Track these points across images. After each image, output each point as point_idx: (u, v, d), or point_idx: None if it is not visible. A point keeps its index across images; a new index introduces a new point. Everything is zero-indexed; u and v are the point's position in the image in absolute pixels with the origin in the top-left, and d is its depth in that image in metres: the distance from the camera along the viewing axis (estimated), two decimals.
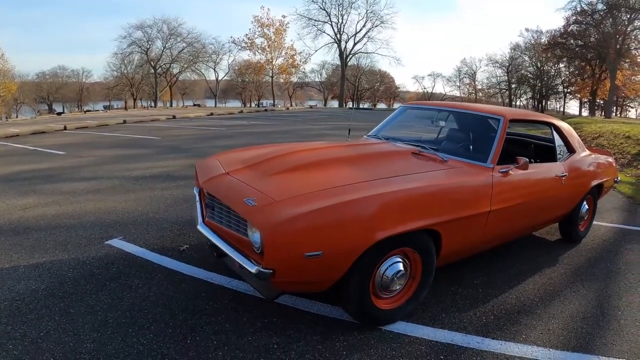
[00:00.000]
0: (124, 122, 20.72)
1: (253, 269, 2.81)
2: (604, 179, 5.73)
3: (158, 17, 59.95)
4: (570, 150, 5.29)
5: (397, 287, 3.39)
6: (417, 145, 4.48)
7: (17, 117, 50.53)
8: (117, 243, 4.78)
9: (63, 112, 52.64)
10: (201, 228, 3.59)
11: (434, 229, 3.35)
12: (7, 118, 43.25)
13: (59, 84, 66.54)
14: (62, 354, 2.87)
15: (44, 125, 18.04)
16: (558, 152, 5.09)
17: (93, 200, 6.50)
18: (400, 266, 3.31)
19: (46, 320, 3.25)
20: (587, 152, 5.66)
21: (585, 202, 5.50)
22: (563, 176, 4.76)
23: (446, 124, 5.16)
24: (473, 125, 4.82)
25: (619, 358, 3.21)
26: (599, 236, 5.91)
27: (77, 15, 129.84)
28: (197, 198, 3.98)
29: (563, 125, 5.38)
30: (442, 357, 3.08)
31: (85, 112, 50.32)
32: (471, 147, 4.48)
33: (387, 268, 3.24)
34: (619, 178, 6.43)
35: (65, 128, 17.29)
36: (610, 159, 6.18)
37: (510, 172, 4.03)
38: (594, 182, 5.45)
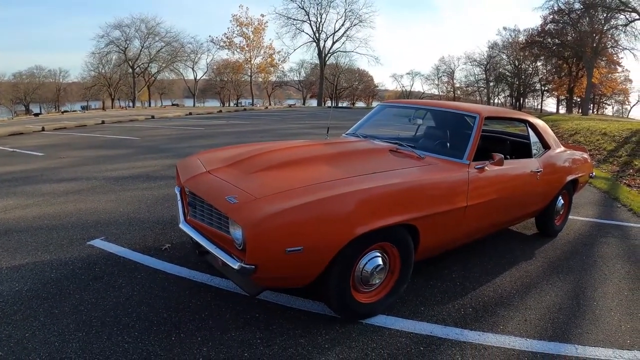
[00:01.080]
0: (103, 122, 20.53)
1: (235, 265, 2.86)
2: (579, 175, 5.85)
3: (136, 16, 59.51)
4: (546, 146, 5.40)
5: (377, 281, 3.45)
6: (395, 143, 4.54)
7: None
8: (99, 243, 4.78)
9: (40, 113, 51.96)
10: (183, 226, 3.62)
11: (412, 224, 3.43)
12: None
13: (35, 84, 65.37)
14: (48, 354, 2.89)
15: (22, 127, 17.81)
16: (533, 149, 5.19)
17: (74, 201, 6.48)
18: (379, 261, 3.38)
19: (31, 321, 3.26)
20: (562, 148, 5.76)
21: (560, 197, 5.61)
22: (538, 172, 4.86)
23: (423, 121, 5.23)
24: (450, 122, 4.91)
25: (594, 346, 3.31)
26: (574, 230, 6.04)
27: (54, 13, 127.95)
28: (179, 197, 4.00)
29: (538, 122, 5.48)
30: (421, 348, 3.15)
31: (62, 112, 49.66)
32: (448, 144, 4.56)
33: (366, 263, 3.32)
34: (593, 173, 6.56)
35: (43, 129, 17.09)
36: (586, 155, 6.30)
37: (486, 168, 4.11)
38: (569, 178, 5.56)
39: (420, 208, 3.48)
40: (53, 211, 5.94)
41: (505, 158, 4.35)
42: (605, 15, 40.37)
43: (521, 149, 5.47)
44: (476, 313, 3.69)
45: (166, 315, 3.41)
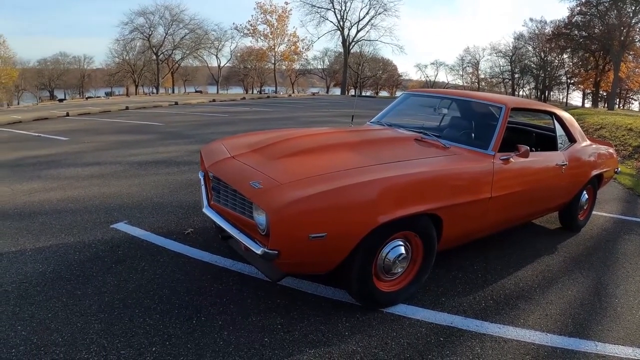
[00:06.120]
0: (126, 108, 20.65)
1: (258, 250, 2.87)
2: (604, 170, 5.76)
3: (160, 3, 59.86)
4: (571, 140, 5.33)
5: (399, 270, 3.45)
6: (420, 132, 4.52)
7: (18, 103, 50.59)
8: (123, 227, 4.84)
9: (65, 99, 52.47)
10: (207, 211, 3.63)
11: (435, 213, 3.41)
12: (8, 105, 43.25)
13: (60, 70, 66.10)
14: (71, 334, 2.93)
15: (47, 112, 18.03)
16: (559, 142, 5.13)
17: (97, 185, 6.55)
18: (402, 249, 3.37)
19: (54, 302, 3.31)
20: (588, 142, 5.68)
21: (585, 192, 5.54)
22: (563, 165, 4.80)
23: (449, 111, 5.18)
24: (475, 113, 4.86)
25: (614, 344, 3.27)
26: (598, 226, 5.96)
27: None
28: (202, 182, 4.02)
29: (564, 115, 5.41)
30: (441, 339, 3.15)
31: (86, 98, 49.95)
32: (473, 134, 4.51)
33: (389, 251, 3.31)
34: (619, 169, 6.46)
35: (67, 114, 17.28)
36: (611, 150, 6.21)
37: (511, 159, 4.07)
38: (594, 172, 5.48)
39: (444, 198, 3.46)
40: (77, 194, 6.01)
41: (531, 150, 4.30)
42: (633, 8, 39.65)
43: (547, 142, 5.40)
44: (497, 305, 3.67)
45: (188, 298, 3.44)
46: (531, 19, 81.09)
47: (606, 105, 47.73)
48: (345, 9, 59.22)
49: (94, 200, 5.77)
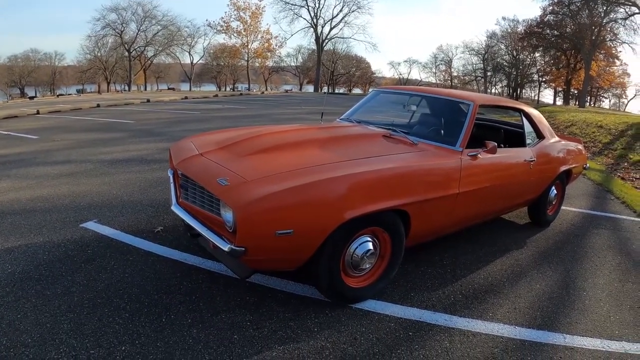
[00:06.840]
0: (98, 105, 20.39)
1: (226, 247, 2.87)
2: (573, 166, 5.86)
3: None
4: (540, 136, 5.41)
5: (367, 266, 3.47)
6: (388, 129, 4.54)
7: None
8: (92, 226, 4.78)
9: (35, 96, 51.50)
10: (175, 209, 3.62)
11: (403, 209, 3.43)
12: None
13: (31, 67, 64.79)
14: (40, 335, 2.90)
15: (17, 110, 17.71)
16: (527, 138, 5.19)
17: (67, 183, 6.47)
18: (370, 245, 3.40)
19: (23, 302, 3.26)
20: (557, 138, 5.76)
21: (553, 187, 5.62)
22: (531, 161, 4.87)
23: (418, 108, 5.21)
24: (444, 109, 4.88)
25: (582, 336, 3.33)
26: (567, 221, 6.06)
27: None
28: (171, 179, 4.00)
29: (533, 112, 5.49)
30: (410, 333, 3.18)
31: (58, 96, 48.93)
32: (442, 131, 4.54)
33: (356, 247, 3.33)
34: (587, 165, 6.57)
35: (38, 112, 16.98)
36: (580, 146, 6.31)
37: (479, 155, 4.11)
38: (563, 168, 5.57)
39: (411, 194, 3.48)
40: (46, 194, 5.93)
41: (499, 146, 4.35)
42: (604, 8, 40.26)
43: (515, 138, 5.46)
44: (466, 300, 3.71)
45: (157, 297, 3.42)
46: (504, 18, 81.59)
47: (577, 102, 48.35)
48: (318, 6, 58.93)
49: (64, 199, 5.70)
